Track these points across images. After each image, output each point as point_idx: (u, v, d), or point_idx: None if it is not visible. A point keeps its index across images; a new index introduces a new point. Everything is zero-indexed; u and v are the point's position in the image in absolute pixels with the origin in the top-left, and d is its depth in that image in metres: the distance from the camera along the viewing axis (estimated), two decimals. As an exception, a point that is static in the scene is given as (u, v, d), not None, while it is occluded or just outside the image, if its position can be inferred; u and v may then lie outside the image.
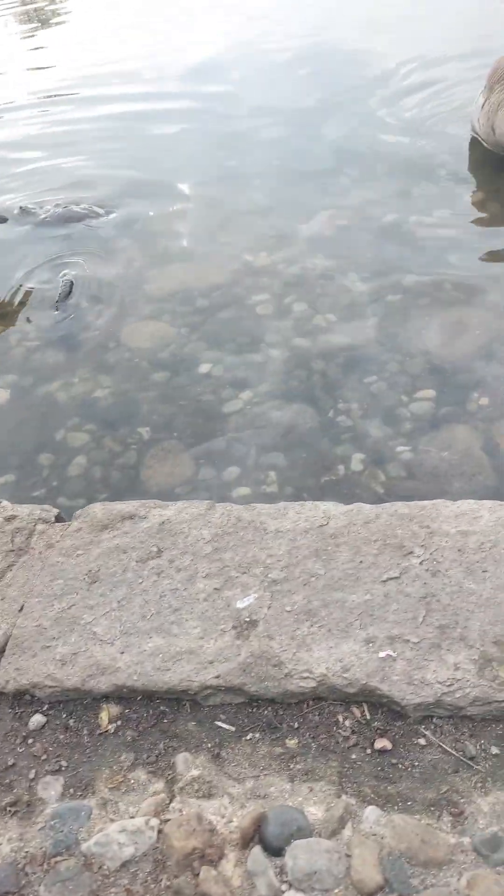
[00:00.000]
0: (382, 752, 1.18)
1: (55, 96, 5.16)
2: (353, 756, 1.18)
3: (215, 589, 1.41)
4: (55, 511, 1.70)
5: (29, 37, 7.19)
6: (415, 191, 3.04)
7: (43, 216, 3.31)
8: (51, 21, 7.84)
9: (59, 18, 7.87)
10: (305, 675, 1.25)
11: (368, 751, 1.19)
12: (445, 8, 5.28)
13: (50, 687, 1.31)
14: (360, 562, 1.41)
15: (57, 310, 2.67)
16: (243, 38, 5.65)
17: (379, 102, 3.90)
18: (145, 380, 2.31)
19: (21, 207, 3.31)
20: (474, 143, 3.23)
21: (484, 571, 1.35)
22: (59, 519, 1.69)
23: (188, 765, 1.21)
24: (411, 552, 1.41)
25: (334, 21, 5.54)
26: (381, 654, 1.25)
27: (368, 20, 5.37)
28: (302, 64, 4.80)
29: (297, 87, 4.43)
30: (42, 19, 7.99)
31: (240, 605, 1.37)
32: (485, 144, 3.11)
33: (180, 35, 6.10)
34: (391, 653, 1.25)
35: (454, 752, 1.16)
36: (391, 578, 1.37)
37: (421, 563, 1.39)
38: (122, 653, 1.33)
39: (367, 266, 2.63)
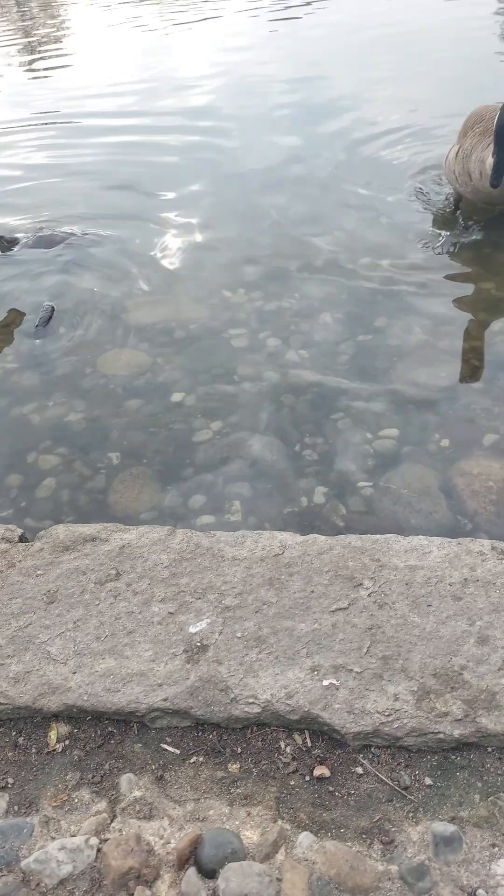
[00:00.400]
0: (321, 779, 1.22)
1: (47, 122, 5.29)
2: (292, 782, 1.22)
3: (170, 613, 1.45)
4: (19, 531, 1.73)
5: (28, 67, 7.37)
6: (390, 237, 3.15)
7: (24, 240, 3.40)
8: (50, 54, 8.04)
9: (59, 51, 8.09)
10: (251, 700, 1.28)
11: (307, 777, 1.22)
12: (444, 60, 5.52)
13: (2, 704, 1.33)
14: (312, 591, 1.46)
15: (36, 335, 2.72)
16: (238, 75, 5.85)
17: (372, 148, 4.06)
18: (119, 406, 2.36)
19: (1, 236, 3.39)
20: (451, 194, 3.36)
21: (429, 606, 1.40)
22: (22, 539, 1.73)
23: (132, 786, 1.23)
24: (361, 584, 1.46)
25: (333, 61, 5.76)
26: (325, 683, 1.29)
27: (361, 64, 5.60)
28: (291, 100, 4.98)
29: (286, 124, 4.59)
30: (42, 52, 8.20)
31: (192, 629, 1.41)
32: (462, 194, 3.14)
33: (176, 71, 6.30)
34: (335, 681, 1.29)
35: (389, 782, 1.20)
36: (340, 609, 1.42)
37: (369, 595, 1.44)
38: (75, 673, 1.36)
39: (340, 307, 2.72)
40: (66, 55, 7.90)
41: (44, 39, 8.89)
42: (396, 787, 1.19)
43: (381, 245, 3.09)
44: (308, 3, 8.47)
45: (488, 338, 2.52)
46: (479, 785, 1.18)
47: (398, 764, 1.22)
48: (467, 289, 2.79)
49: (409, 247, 3.05)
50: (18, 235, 3.47)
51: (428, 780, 1.20)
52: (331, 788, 1.20)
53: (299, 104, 5.04)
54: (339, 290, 2.82)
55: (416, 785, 1.19)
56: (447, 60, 5.54)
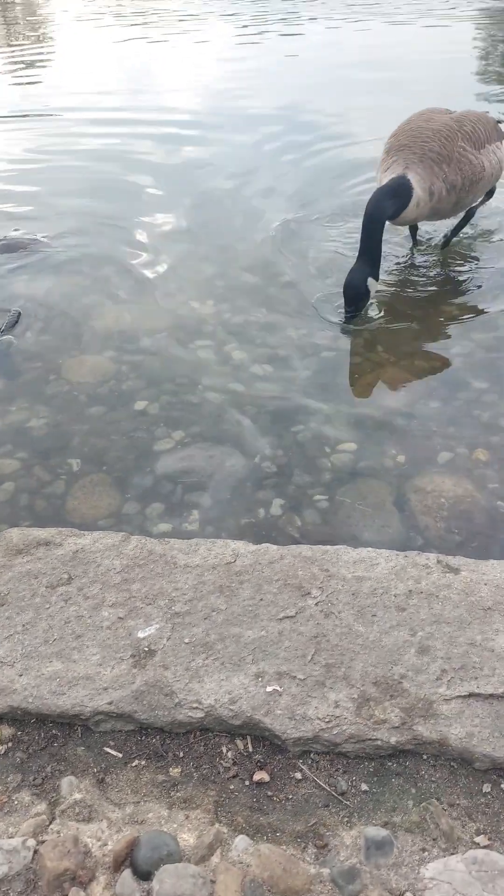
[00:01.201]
0: (260, 784, 1.24)
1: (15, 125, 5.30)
2: (232, 787, 1.23)
3: (119, 618, 1.46)
4: (-27, 534, 1.73)
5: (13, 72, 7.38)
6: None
7: None
8: (35, 64, 8.06)
9: (39, 55, 8.12)
10: (195, 705, 1.30)
11: (247, 782, 1.24)
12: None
13: None
14: (261, 599, 1.48)
15: (2, 339, 2.72)
16: (224, 98, 5.93)
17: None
18: (81, 413, 2.37)
19: None
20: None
21: (373, 616, 1.44)
22: (-24, 542, 1.72)
23: (72, 788, 1.24)
24: (309, 593, 1.49)
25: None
26: (269, 689, 1.32)
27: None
28: (275, 129, 5.07)
29: (264, 139, 4.68)
30: (27, 61, 8.22)
31: (141, 634, 1.42)
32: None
33: (156, 84, 6.37)
34: (278, 688, 1.32)
35: (326, 787, 1.22)
36: (287, 617, 1.45)
37: (316, 605, 1.47)
38: (21, 675, 1.37)
39: (305, 323, 2.77)
40: (47, 60, 7.93)
41: (25, 45, 8.92)
42: (333, 793, 1.21)
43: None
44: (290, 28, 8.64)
45: (447, 358, 2.59)
46: (413, 791, 1.21)
47: (336, 770, 1.25)
48: (435, 304, 2.86)
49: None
50: None
51: (364, 786, 1.22)
52: (269, 793, 1.22)
53: (281, 123, 5.13)
54: (305, 308, 2.88)
55: (353, 790, 1.22)
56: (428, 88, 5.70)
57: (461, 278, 3.07)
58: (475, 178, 2.79)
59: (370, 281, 2.67)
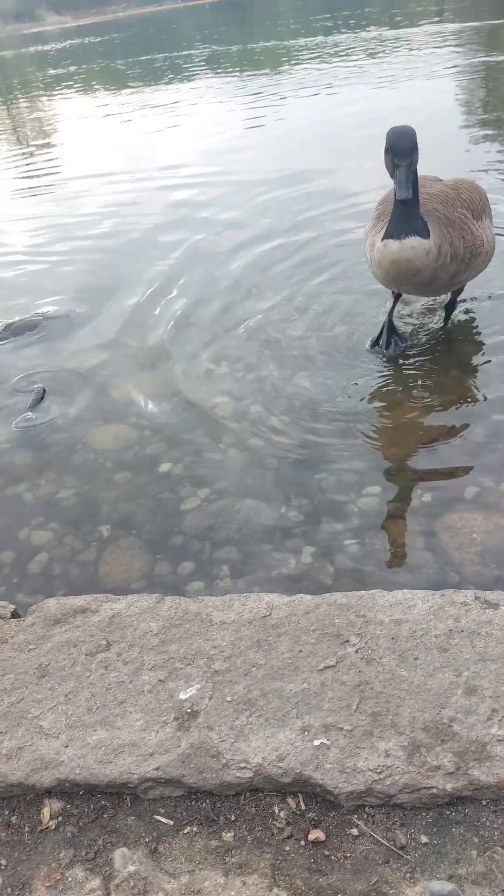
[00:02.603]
0: (316, 843, 1.20)
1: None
2: (287, 848, 1.20)
3: (160, 681, 1.46)
4: (11, 607, 1.75)
5: (19, 158, 7.78)
6: (367, 303, 3.29)
7: (8, 322, 3.57)
8: (40, 149, 8.51)
9: (49, 145, 8.57)
10: (242, 765, 1.28)
11: (302, 842, 1.21)
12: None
13: (-8, 783, 1.33)
14: (300, 651, 1.47)
15: (29, 415, 2.80)
16: (224, 165, 6.18)
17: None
18: (108, 480, 2.41)
19: None
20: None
21: (415, 659, 1.42)
22: (14, 615, 1.74)
23: (125, 860, 1.22)
24: (347, 640, 1.48)
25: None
26: (316, 743, 1.29)
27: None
28: (271, 185, 5.26)
29: (265, 208, 4.84)
30: (31, 144, 8.70)
31: (182, 696, 1.42)
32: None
33: (157, 159, 6.67)
34: (325, 741, 1.29)
35: (385, 842, 1.19)
36: (328, 667, 1.43)
37: (357, 652, 1.45)
38: (67, 746, 1.36)
39: (317, 373, 2.82)
40: (54, 145, 8.37)
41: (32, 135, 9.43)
42: (392, 847, 1.18)
43: (356, 312, 3.22)
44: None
45: (464, 394, 2.60)
46: (476, 840, 1.17)
47: (393, 823, 1.22)
48: (443, 352, 2.90)
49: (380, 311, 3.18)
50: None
51: (424, 838, 1.18)
52: (326, 852, 1.19)
53: (280, 189, 5.32)
54: (314, 358, 2.93)
55: (413, 843, 1.18)
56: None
57: (466, 319, 3.11)
58: (475, 252, 2.54)
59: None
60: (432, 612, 1.52)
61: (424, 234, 2.36)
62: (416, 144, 2.29)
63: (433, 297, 3.17)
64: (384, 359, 2.86)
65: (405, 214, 2.32)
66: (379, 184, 3.78)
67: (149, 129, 8.48)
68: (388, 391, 2.67)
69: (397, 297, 3.01)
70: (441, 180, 2.74)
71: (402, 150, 2.26)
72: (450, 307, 2.99)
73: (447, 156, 5.12)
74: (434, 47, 10.75)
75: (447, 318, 3.03)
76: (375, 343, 2.92)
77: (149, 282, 3.92)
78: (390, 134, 2.30)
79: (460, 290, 2.89)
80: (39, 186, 6.60)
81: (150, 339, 3.30)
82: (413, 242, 2.35)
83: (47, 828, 1.29)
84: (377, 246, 2.42)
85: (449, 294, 2.90)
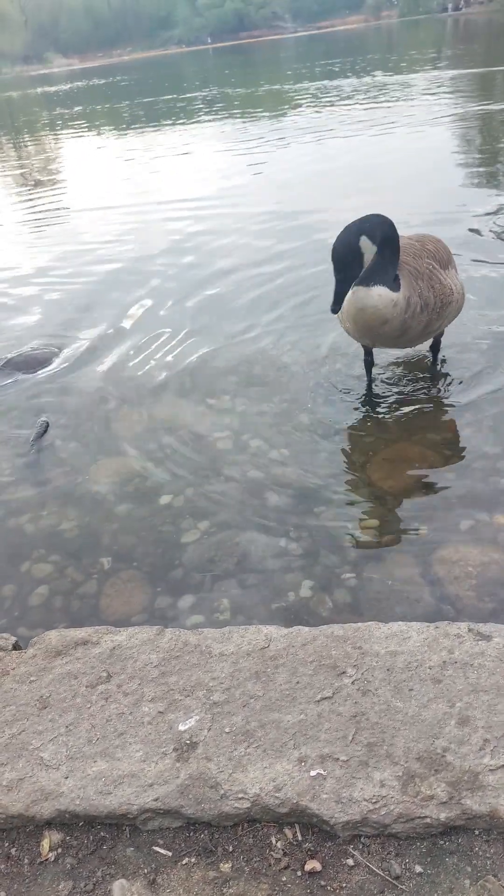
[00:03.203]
0: (312, 873, 1.22)
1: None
2: (284, 878, 1.22)
3: (159, 712, 1.48)
4: (13, 639, 1.78)
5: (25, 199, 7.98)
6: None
7: (8, 357, 3.65)
8: (44, 185, 8.72)
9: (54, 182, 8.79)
10: (240, 795, 1.30)
11: (299, 873, 1.23)
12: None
13: (-6, 814, 1.34)
14: (297, 682, 1.50)
15: (32, 449, 2.86)
16: (226, 204, 6.35)
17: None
18: (110, 512, 2.45)
19: None
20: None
21: (410, 690, 1.45)
22: (16, 647, 1.77)
23: (124, 892, 1.23)
24: (344, 672, 1.50)
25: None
26: (313, 773, 1.32)
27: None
28: (272, 221, 5.40)
29: (264, 245, 4.97)
30: (35, 181, 8.92)
31: (182, 727, 1.44)
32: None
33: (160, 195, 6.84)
34: (322, 771, 1.32)
35: (380, 872, 1.20)
36: (325, 698, 1.46)
37: (353, 683, 1.48)
38: (67, 777, 1.38)
39: (316, 409, 2.88)
40: (60, 182, 8.58)
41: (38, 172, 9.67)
42: (387, 878, 1.19)
43: (357, 346, 3.30)
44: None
45: (457, 430, 2.66)
46: (469, 869, 1.19)
47: (388, 853, 1.23)
48: (435, 392, 2.96)
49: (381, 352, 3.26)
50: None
51: (418, 868, 1.20)
52: (322, 882, 1.21)
53: (280, 224, 5.46)
54: (312, 394, 2.99)
55: (407, 874, 1.20)
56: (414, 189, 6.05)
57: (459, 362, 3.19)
58: (445, 300, 2.61)
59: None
60: (427, 643, 1.55)
61: (394, 287, 2.45)
62: (357, 251, 2.31)
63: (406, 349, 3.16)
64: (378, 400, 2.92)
65: (380, 266, 2.40)
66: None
67: (152, 169, 8.71)
68: (384, 427, 2.73)
69: (370, 367, 2.99)
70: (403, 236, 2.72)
71: (335, 262, 2.34)
72: (435, 349, 3.08)
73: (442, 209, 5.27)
74: (430, 94, 11.10)
75: (434, 359, 3.11)
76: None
77: (151, 315, 4.02)
78: (333, 244, 2.34)
79: (441, 334, 2.98)
80: (41, 219, 6.77)
81: (152, 372, 3.38)
82: (381, 291, 2.43)
83: (47, 859, 1.30)
84: (347, 295, 2.45)
85: (431, 339, 2.97)
